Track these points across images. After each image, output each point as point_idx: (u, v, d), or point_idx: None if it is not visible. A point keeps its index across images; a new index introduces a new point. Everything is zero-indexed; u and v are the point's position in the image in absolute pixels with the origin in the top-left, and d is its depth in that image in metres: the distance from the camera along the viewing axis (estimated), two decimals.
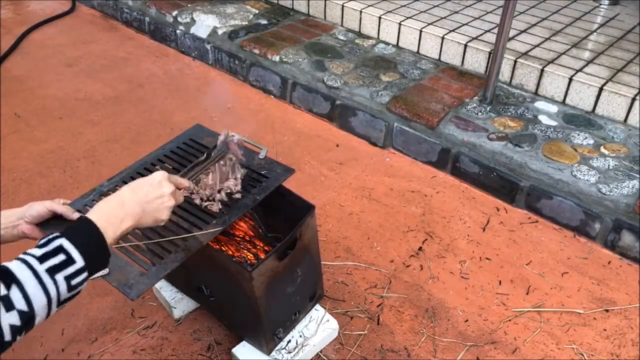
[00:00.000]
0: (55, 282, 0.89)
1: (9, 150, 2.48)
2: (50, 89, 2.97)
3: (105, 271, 1.21)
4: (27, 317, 0.86)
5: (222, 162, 1.42)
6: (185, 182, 1.24)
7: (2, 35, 3.49)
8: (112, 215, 1.03)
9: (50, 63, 3.23)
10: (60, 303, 0.92)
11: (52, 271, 0.90)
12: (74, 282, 0.92)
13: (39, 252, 0.91)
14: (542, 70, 2.56)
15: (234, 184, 1.41)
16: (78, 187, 2.26)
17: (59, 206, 1.24)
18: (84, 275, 0.94)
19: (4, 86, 2.96)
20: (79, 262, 0.93)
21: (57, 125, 2.68)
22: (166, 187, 1.12)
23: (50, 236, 0.94)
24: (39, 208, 1.21)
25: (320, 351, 1.64)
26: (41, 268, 0.89)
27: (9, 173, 2.34)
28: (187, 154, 1.56)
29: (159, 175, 1.13)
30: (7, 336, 0.84)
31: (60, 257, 0.91)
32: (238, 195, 1.40)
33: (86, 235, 0.97)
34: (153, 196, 1.10)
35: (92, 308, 1.77)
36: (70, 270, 0.92)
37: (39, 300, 0.87)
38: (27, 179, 2.32)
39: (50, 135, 2.60)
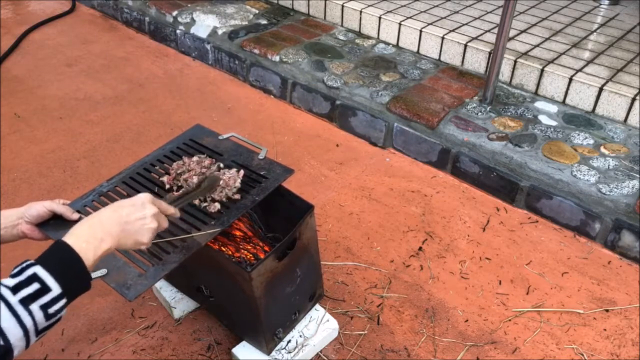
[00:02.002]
0: (30, 313, 0.86)
1: (9, 150, 2.49)
2: (50, 89, 2.98)
3: (103, 272, 1.21)
4: (4, 350, 0.83)
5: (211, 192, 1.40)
6: (171, 209, 1.18)
7: (2, 35, 3.49)
8: (91, 236, 0.99)
9: (50, 63, 3.23)
10: (39, 332, 0.89)
11: (26, 301, 0.86)
12: (51, 310, 0.89)
13: (11, 282, 0.87)
14: (542, 70, 2.56)
15: (230, 189, 1.41)
16: (78, 187, 2.26)
17: (59, 206, 1.24)
18: (62, 302, 0.91)
19: (4, 86, 2.96)
20: (55, 289, 0.90)
21: (57, 125, 2.68)
22: (149, 208, 1.08)
23: (24, 264, 0.90)
24: (39, 208, 1.21)
25: (320, 351, 1.64)
26: (14, 299, 0.85)
27: (9, 173, 2.34)
28: (186, 154, 1.56)
29: (142, 197, 1.09)
30: None
31: (35, 286, 0.88)
32: (237, 196, 1.40)
33: (62, 259, 0.94)
34: (134, 217, 1.05)
35: (92, 308, 1.77)
36: (46, 299, 0.88)
37: (14, 333, 0.84)
38: (27, 179, 2.32)
39: (50, 135, 2.60)
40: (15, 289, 0.87)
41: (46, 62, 3.24)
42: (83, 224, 1.01)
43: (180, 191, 1.39)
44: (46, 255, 0.93)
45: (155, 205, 1.10)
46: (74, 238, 0.97)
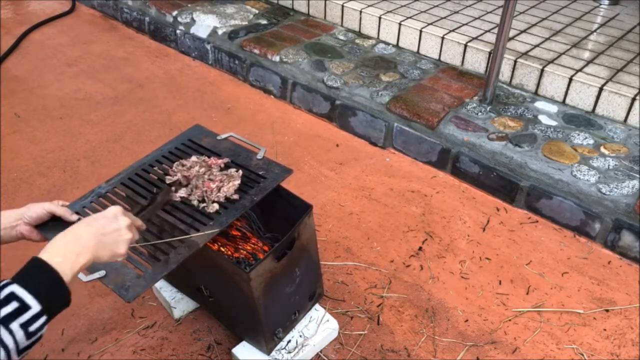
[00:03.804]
0: (10, 332, 0.85)
1: (9, 150, 2.49)
2: (50, 89, 2.98)
3: (102, 273, 1.21)
4: None
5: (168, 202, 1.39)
6: (139, 221, 1.19)
7: (2, 35, 3.49)
8: (67, 251, 0.99)
9: (50, 63, 3.23)
10: (20, 352, 0.88)
11: (6, 321, 0.85)
12: (31, 328, 0.88)
13: None
14: (542, 70, 2.56)
15: (229, 188, 1.41)
16: (78, 187, 2.26)
17: (57, 208, 1.24)
18: (42, 319, 0.90)
19: (4, 86, 2.96)
20: (35, 307, 0.89)
21: (57, 125, 2.68)
22: (122, 220, 1.09)
23: (1, 284, 0.89)
24: (38, 210, 1.21)
25: (320, 351, 1.64)
26: None
27: (9, 173, 2.34)
28: (185, 155, 1.56)
29: (114, 209, 1.11)
30: None
31: (13, 305, 0.87)
32: (236, 196, 1.40)
33: (39, 277, 0.93)
34: (110, 229, 1.06)
35: (92, 308, 1.77)
36: (26, 317, 0.87)
37: None
38: (27, 179, 2.32)
39: (50, 135, 2.60)
40: None
41: (46, 62, 3.24)
42: (58, 240, 1.01)
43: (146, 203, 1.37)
44: (22, 273, 0.92)
45: (127, 217, 1.11)
46: (48, 254, 0.96)
